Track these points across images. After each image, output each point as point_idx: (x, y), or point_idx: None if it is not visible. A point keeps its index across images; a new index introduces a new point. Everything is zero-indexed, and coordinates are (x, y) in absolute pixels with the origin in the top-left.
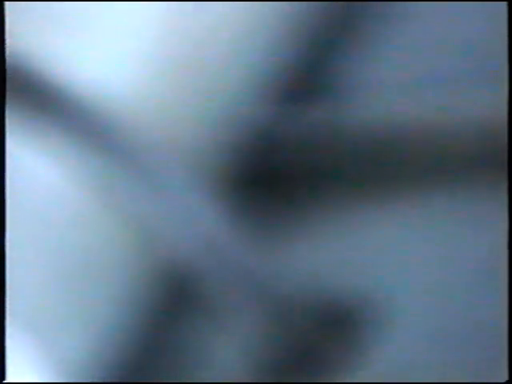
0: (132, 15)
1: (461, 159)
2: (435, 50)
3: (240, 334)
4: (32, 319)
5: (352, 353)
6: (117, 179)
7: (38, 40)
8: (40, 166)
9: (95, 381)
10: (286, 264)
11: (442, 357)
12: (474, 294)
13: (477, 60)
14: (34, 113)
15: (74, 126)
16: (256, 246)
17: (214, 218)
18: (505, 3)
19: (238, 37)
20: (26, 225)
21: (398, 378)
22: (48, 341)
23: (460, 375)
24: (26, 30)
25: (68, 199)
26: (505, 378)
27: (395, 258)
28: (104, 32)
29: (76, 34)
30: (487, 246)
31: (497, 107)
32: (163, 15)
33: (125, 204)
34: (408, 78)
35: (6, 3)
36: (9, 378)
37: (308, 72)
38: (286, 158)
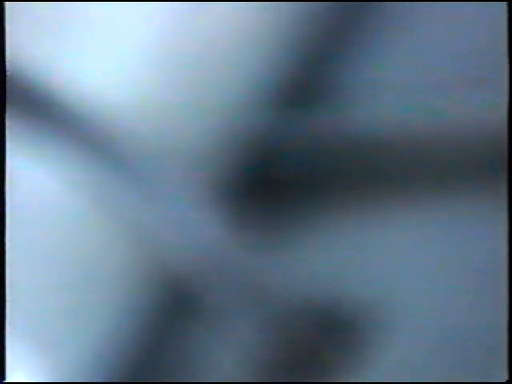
0: (132, 16)
1: (462, 161)
2: (437, 52)
3: (240, 339)
4: (32, 322)
5: (353, 355)
6: (115, 187)
7: (37, 43)
8: (38, 174)
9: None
10: (286, 269)
11: (442, 357)
12: (475, 296)
13: (480, 62)
14: (30, 119)
15: (72, 133)
16: (255, 251)
17: (213, 225)
18: (505, 3)
19: (238, 39)
20: (24, 232)
21: (398, 379)
22: (48, 342)
23: (460, 375)
24: (24, 33)
25: (66, 207)
26: (505, 378)
27: (396, 261)
28: (104, 35)
29: (76, 37)
30: (488, 247)
31: (497, 110)
32: (163, 17)
33: (123, 211)
34: (410, 81)
35: (6, 3)
36: (9, 378)
37: (308, 76)
38: (286, 163)
